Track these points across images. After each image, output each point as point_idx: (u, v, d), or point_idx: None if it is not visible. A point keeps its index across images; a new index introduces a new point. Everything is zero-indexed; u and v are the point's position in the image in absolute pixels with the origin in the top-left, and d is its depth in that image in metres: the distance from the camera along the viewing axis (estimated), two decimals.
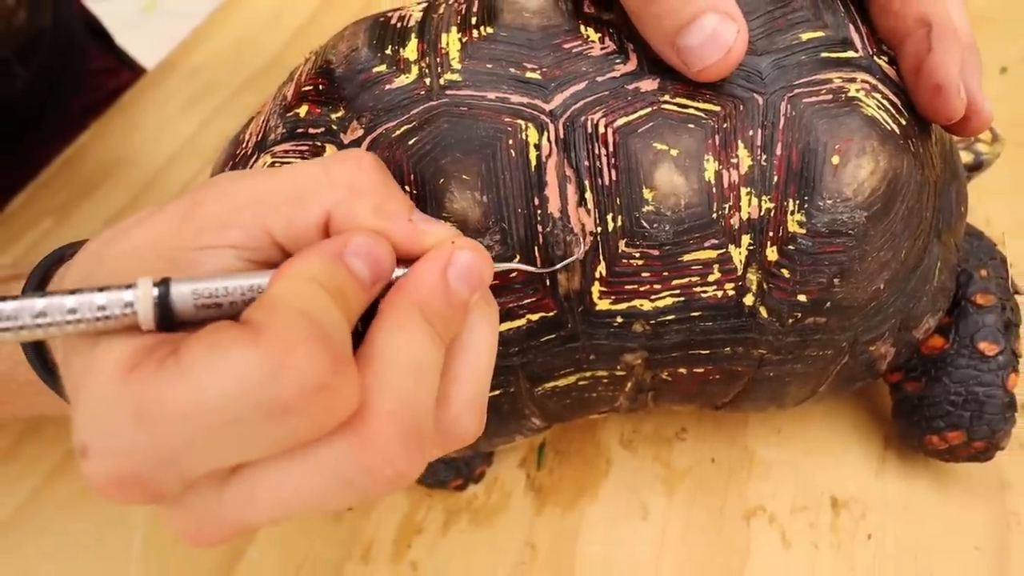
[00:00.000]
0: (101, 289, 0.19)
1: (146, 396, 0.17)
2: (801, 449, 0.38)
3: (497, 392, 0.30)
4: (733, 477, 0.38)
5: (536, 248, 0.26)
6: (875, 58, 0.27)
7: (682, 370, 0.29)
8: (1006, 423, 0.32)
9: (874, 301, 0.28)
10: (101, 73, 0.69)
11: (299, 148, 0.28)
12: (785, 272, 0.26)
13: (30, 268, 0.26)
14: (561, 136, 0.26)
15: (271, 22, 0.69)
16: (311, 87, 0.29)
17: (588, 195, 0.26)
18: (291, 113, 0.29)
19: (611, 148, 0.26)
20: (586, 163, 0.26)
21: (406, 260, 0.21)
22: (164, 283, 0.19)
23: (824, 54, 0.26)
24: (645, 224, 0.25)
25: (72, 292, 0.18)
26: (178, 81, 0.64)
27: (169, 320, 0.19)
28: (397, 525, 0.38)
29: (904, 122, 0.27)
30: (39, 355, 0.25)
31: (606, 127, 0.26)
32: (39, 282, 0.26)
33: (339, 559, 0.37)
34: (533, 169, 0.26)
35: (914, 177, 0.27)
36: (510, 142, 0.26)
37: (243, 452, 0.18)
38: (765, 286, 0.27)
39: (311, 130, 0.28)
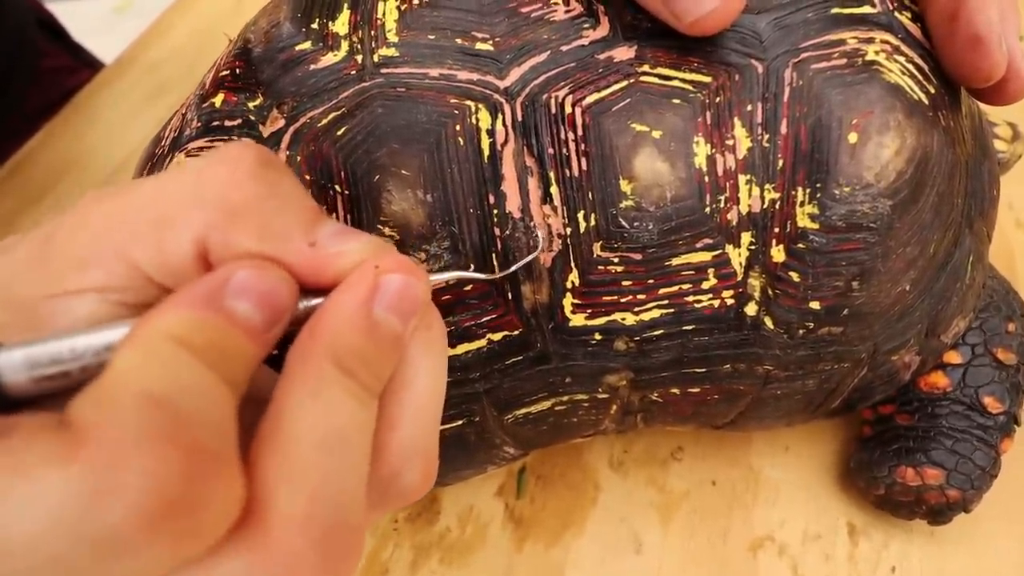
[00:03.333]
0: None
1: None
2: (813, 468, 0.34)
3: (459, 423, 0.25)
4: (736, 502, 0.34)
5: (494, 255, 0.22)
6: (896, 14, 0.23)
7: (675, 391, 0.25)
8: (984, 484, 0.29)
9: (898, 305, 0.24)
10: (58, 71, 0.66)
11: (213, 144, 0.24)
12: (794, 276, 0.22)
13: None
14: (519, 119, 0.21)
15: (231, 12, 0.65)
16: (228, 71, 0.25)
17: (554, 189, 0.21)
18: (207, 103, 0.25)
19: (580, 131, 0.21)
20: (550, 151, 0.21)
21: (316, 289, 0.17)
22: None
23: (835, 10, 0.22)
24: (624, 223, 0.21)
25: None
26: (136, 76, 0.61)
27: (4, 403, 0.15)
28: (362, 567, 0.34)
29: (933, 91, 0.22)
30: None
31: (573, 106, 0.21)
32: None
33: None
34: (486, 160, 0.21)
35: (945, 156, 0.23)
36: (457, 128, 0.21)
37: None
38: (770, 293, 0.22)
39: (227, 122, 0.24)
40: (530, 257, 0.22)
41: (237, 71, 0.25)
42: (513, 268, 0.21)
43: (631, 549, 0.33)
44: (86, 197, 0.18)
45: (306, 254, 0.16)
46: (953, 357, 0.28)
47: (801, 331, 0.23)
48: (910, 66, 0.22)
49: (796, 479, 0.34)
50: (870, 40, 0.22)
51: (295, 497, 0.14)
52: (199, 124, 0.25)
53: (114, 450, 0.13)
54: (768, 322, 0.23)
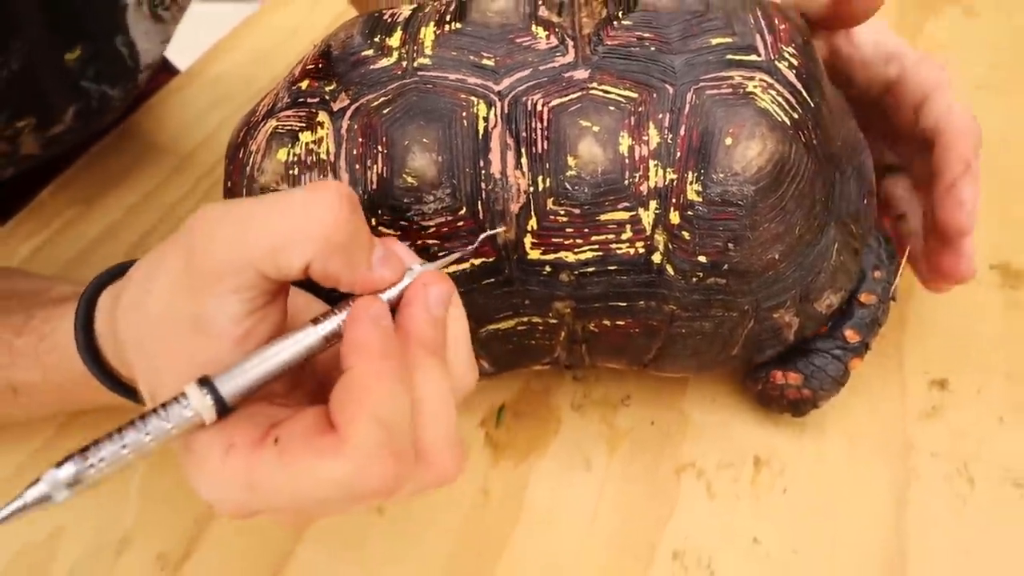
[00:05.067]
0: (161, 409, 0.24)
1: (253, 474, 0.23)
2: (732, 414, 0.43)
3: None
4: (669, 438, 0.43)
5: (479, 202, 0.32)
6: (775, 62, 0.32)
7: (606, 321, 0.35)
8: (832, 388, 0.39)
9: (771, 270, 0.33)
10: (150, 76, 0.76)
11: (298, 114, 0.35)
12: (686, 235, 0.32)
13: (75, 285, 0.33)
14: (505, 112, 0.31)
15: (287, 40, 0.75)
16: (312, 66, 0.35)
17: (524, 160, 0.31)
18: (295, 86, 0.36)
19: (545, 123, 0.31)
20: (524, 134, 0.31)
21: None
22: (208, 384, 0.24)
23: (729, 56, 0.32)
24: (568, 186, 0.31)
25: (143, 426, 0.23)
26: (201, 87, 0.71)
27: (224, 411, 0.24)
28: None
29: (796, 116, 0.32)
30: (95, 360, 0.32)
31: (543, 106, 0.31)
32: (86, 312, 0.32)
33: None
34: (481, 137, 0.31)
35: (804, 163, 0.32)
36: (464, 114, 0.31)
37: (326, 513, 0.25)
38: (670, 246, 0.32)
39: (309, 99, 0.35)
40: (498, 230, 0.31)
41: (319, 65, 0.35)
42: (488, 234, 0.31)
43: (582, 468, 0.42)
44: (201, 215, 0.25)
45: (366, 276, 0.26)
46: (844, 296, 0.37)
47: (694, 279, 0.33)
48: (779, 98, 0.31)
49: (718, 422, 0.43)
50: (751, 78, 0.31)
51: (438, 434, 0.25)
52: (288, 99, 0.36)
53: (364, 457, 0.22)
54: (669, 269, 0.32)
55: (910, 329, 0.45)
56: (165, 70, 0.78)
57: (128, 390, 0.33)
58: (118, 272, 0.32)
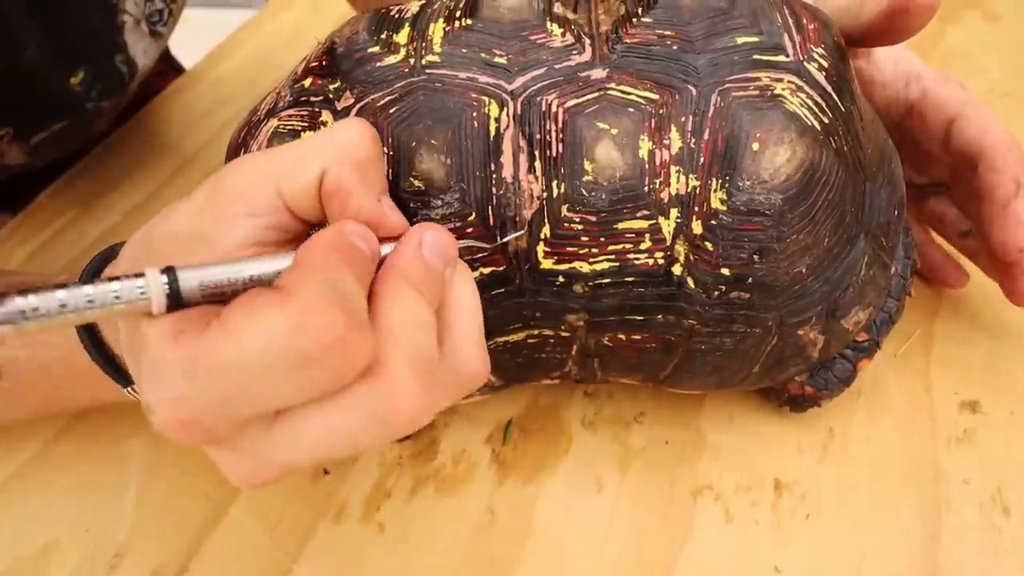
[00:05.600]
0: (115, 279, 0.22)
1: (193, 354, 0.21)
2: (751, 435, 0.41)
3: None
4: (684, 458, 0.41)
5: (490, 207, 0.30)
6: (804, 63, 0.30)
7: (621, 336, 0.33)
8: (836, 388, 0.38)
9: (797, 284, 0.31)
10: (151, 75, 0.76)
11: (300, 113, 0.33)
12: (708, 245, 0.30)
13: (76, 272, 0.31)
14: (518, 112, 0.30)
15: (290, 41, 0.74)
16: (316, 63, 0.34)
17: (537, 164, 0.29)
18: (298, 84, 0.34)
19: (560, 125, 0.29)
20: (538, 136, 0.29)
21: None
22: (170, 271, 0.22)
23: (756, 56, 0.30)
24: (584, 192, 0.29)
25: (88, 282, 0.22)
26: (204, 88, 0.70)
27: (178, 306, 0.22)
28: (368, 489, 0.41)
29: (827, 120, 0.30)
30: (97, 347, 0.30)
31: (558, 107, 0.29)
32: (91, 278, 0.31)
33: (313, 518, 0.40)
34: (492, 139, 0.30)
35: (835, 171, 0.30)
36: (474, 115, 0.30)
37: (279, 398, 0.21)
38: (691, 257, 0.30)
39: (312, 98, 0.33)
40: (516, 235, 0.30)
41: (323, 63, 0.34)
42: (506, 239, 0.30)
43: (593, 489, 0.40)
44: (243, 156, 0.26)
45: (375, 206, 0.25)
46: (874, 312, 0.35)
47: (716, 292, 0.31)
48: (809, 101, 0.30)
49: (736, 442, 0.41)
50: (779, 79, 0.30)
51: (399, 351, 0.22)
52: (291, 98, 0.34)
53: (309, 303, 0.20)
54: (690, 281, 0.31)
55: (938, 347, 0.43)
56: (171, 70, 0.77)
57: (122, 373, 0.31)
58: (117, 249, 0.31)
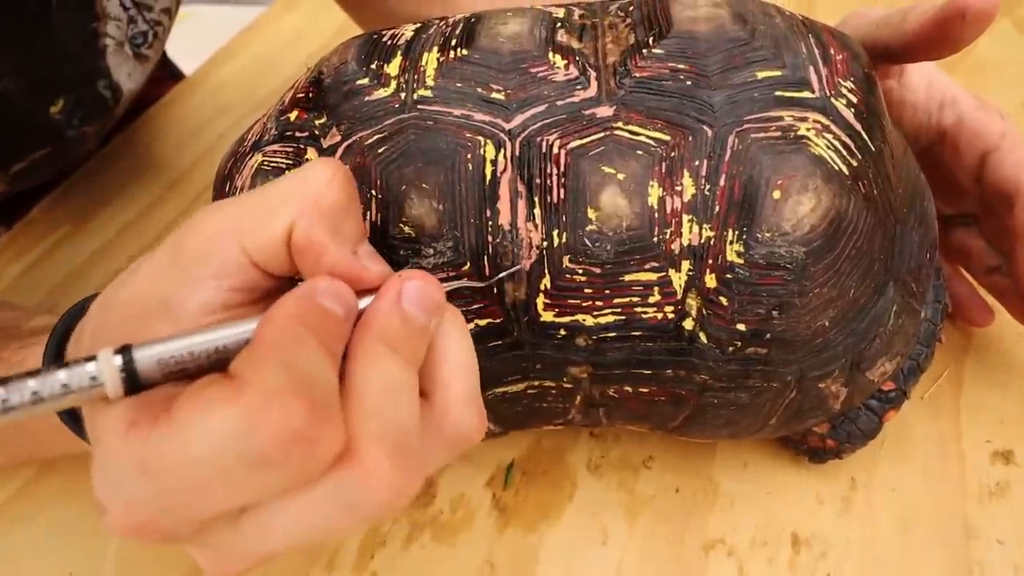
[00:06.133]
0: (63, 366, 0.19)
1: (145, 451, 0.19)
2: (766, 484, 0.38)
3: None
4: (696, 508, 0.38)
5: (485, 257, 0.27)
6: (831, 99, 0.28)
7: (627, 388, 0.30)
8: (859, 442, 0.35)
9: (820, 337, 0.29)
10: (148, 83, 0.74)
11: (285, 149, 0.31)
12: (723, 300, 0.27)
13: (55, 316, 0.29)
14: (517, 154, 0.27)
15: (290, 46, 0.72)
16: (303, 95, 0.32)
17: (537, 211, 0.27)
18: (284, 117, 0.32)
19: (562, 168, 0.27)
20: (537, 181, 0.27)
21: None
22: (126, 350, 0.20)
23: (778, 92, 0.27)
24: (588, 242, 0.27)
25: (33, 374, 0.19)
26: (202, 97, 0.68)
27: (138, 387, 0.20)
28: (362, 537, 0.39)
29: (855, 163, 0.27)
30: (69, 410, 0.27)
31: (560, 148, 0.27)
32: (60, 337, 0.29)
33: (305, 567, 0.38)
34: (488, 183, 0.27)
35: (864, 218, 0.28)
36: (468, 156, 0.27)
37: (239, 498, 0.19)
38: (704, 312, 0.28)
39: (297, 133, 0.31)
40: (512, 270, 0.27)
41: (310, 95, 0.31)
42: (501, 275, 0.27)
43: (598, 540, 0.38)
44: (204, 208, 0.23)
45: (351, 260, 0.23)
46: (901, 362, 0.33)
47: (730, 348, 0.28)
48: (836, 142, 0.27)
49: (750, 492, 0.38)
50: (804, 119, 0.27)
51: (370, 428, 0.20)
52: (276, 132, 0.32)
53: (264, 396, 0.18)
54: (703, 337, 0.28)
55: (968, 390, 0.40)
56: (170, 77, 0.75)
57: None
58: (90, 302, 0.29)
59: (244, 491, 0.19)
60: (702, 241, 0.27)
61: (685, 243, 0.27)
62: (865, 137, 0.28)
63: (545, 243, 0.27)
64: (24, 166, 0.49)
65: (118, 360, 0.20)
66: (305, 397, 0.18)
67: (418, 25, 0.32)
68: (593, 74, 0.28)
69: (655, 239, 0.27)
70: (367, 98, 0.29)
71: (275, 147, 0.31)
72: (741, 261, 0.27)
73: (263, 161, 0.31)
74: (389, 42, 0.31)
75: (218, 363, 0.21)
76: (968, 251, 0.39)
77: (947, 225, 0.40)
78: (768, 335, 0.28)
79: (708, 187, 0.27)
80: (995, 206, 0.36)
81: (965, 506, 0.36)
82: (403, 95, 0.29)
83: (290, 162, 0.30)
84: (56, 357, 0.29)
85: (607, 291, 0.27)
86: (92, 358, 0.20)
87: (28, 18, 0.43)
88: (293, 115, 0.31)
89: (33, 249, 0.57)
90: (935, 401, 0.40)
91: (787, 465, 0.39)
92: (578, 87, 0.28)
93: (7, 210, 0.60)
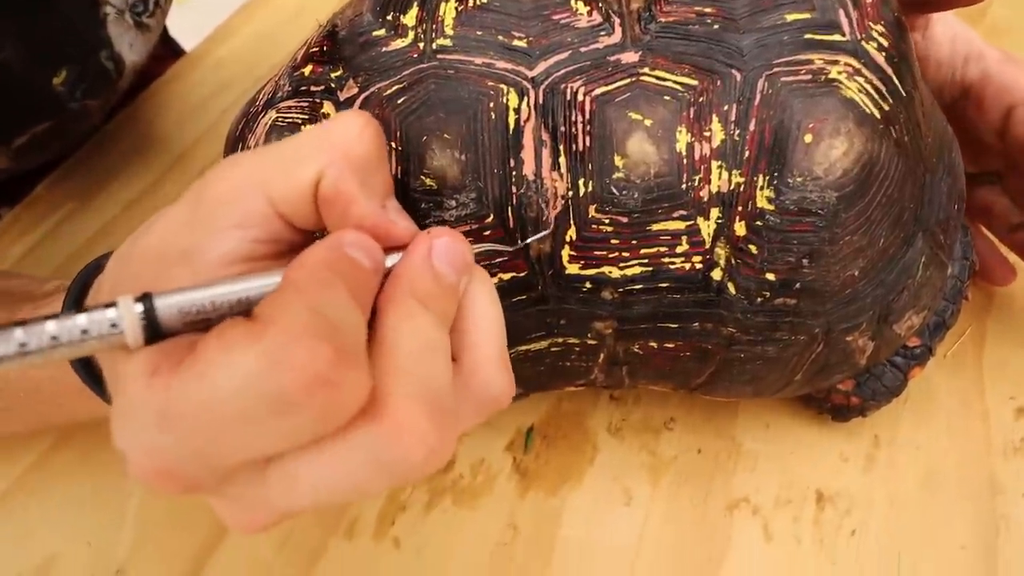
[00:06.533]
0: (83, 311, 0.19)
1: (168, 396, 0.18)
2: (789, 443, 0.38)
3: None
4: (719, 468, 0.38)
5: (509, 208, 0.27)
6: (862, 42, 0.27)
7: (652, 344, 0.30)
8: (884, 399, 0.35)
9: (848, 288, 0.28)
10: (153, 60, 0.73)
11: (300, 104, 0.30)
12: (753, 248, 0.27)
13: (68, 280, 0.28)
14: (540, 102, 0.27)
15: (291, 20, 0.71)
16: (317, 48, 0.31)
17: (562, 159, 0.26)
18: (297, 72, 0.31)
19: (587, 115, 0.26)
20: (562, 129, 0.26)
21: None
22: (146, 297, 0.19)
23: (808, 35, 0.27)
24: (615, 190, 0.26)
25: (52, 317, 0.19)
26: (203, 73, 0.67)
27: (158, 336, 0.19)
28: (382, 503, 0.38)
29: (887, 108, 0.27)
30: (86, 366, 0.27)
31: (584, 95, 0.26)
32: (78, 294, 0.28)
33: (324, 534, 0.37)
34: (511, 132, 0.27)
35: (895, 164, 0.27)
36: (491, 105, 0.27)
37: (263, 445, 0.19)
38: (733, 261, 0.27)
39: (312, 88, 0.30)
40: (542, 234, 0.27)
41: (324, 48, 0.31)
42: (529, 240, 0.27)
43: (621, 502, 0.38)
44: (227, 158, 0.23)
45: (379, 213, 0.22)
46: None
47: (759, 299, 0.28)
48: (868, 86, 0.26)
49: (773, 452, 0.38)
50: (835, 62, 0.26)
51: (404, 384, 0.19)
52: (290, 88, 0.31)
53: (288, 337, 0.17)
54: (731, 287, 0.28)
55: (991, 348, 0.40)
56: (171, 54, 0.75)
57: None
58: (106, 259, 0.28)
59: (268, 436, 0.18)
60: (731, 188, 0.26)
61: (714, 190, 0.26)
62: (896, 82, 0.28)
63: (571, 193, 0.27)
64: (27, 140, 0.48)
65: (139, 308, 0.19)
66: (330, 340, 0.18)
67: None
68: (617, 20, 0.27)
69: (683, 186, 0.26)
70: (384, 49, 0.29)
71: (289, 103, 0.31)
72: (772, 207, 0.26)
73: (277, 118, 0.31)
74: None
75: (240, 315, 0.20)
76: (990, 209, 0.39)
77: (969, 183, 0.39)
78: (797, 285, 0.27)
79: (737, 132, 0.26)
80: (1020, 162, 0.35)
81: (990, 461, 0.36)
82: (421, 45, 0.28)
83: (305, 116, 0.30)
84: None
85: (634, 241, 0.27)
86: (112, 304, 0.19)
87: None
88: (307, 69, 0.31)
89: (37, 228, 0.56)
90: (958, 359, 0.40)
91: (809, 424, 0.38)
92: (602, 33, 0.27)
93: (10, 190, 0.59)
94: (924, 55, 0.36)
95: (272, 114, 0.31)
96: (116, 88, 0.53)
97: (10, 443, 0.42)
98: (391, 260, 0.22)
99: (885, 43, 0.28)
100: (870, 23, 0.28)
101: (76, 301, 0.28)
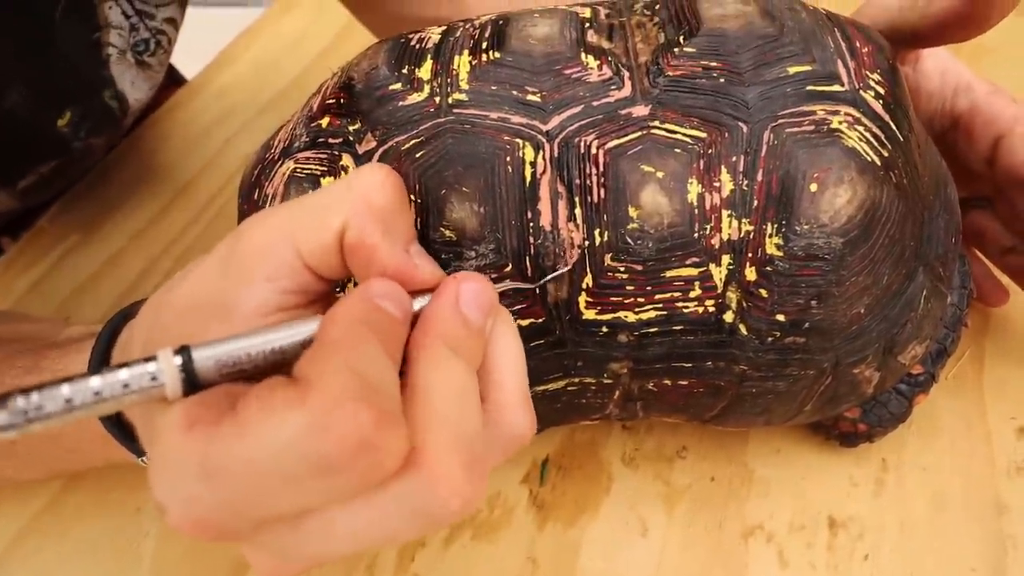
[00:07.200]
0: (124, 365, 0.20)
1: (208, 452, 0.19)
2: (800, 469, 0.39)
3: None
4: (732, 495, 0.39)
5: (527, 258, 0.28)
6: (860, 92, 0.28)
7: (667, 381, 0.31)
8: (890, 425, 0.36)
9: (855, 325, 0.29)
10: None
11: (319, 156, 0.31)
12: (763, 292, 0.28)
13: (89, 326, 0.29)
14: (555, 155, 0.28)
15: (293, 47, 0.72)
16: (333, 100, 0.32)
17: (578, 211, 0.27)
18: (314, 123, 0.32)
19: (601, 168, 0.27)
20: (577, 181, 0.27)
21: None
22: (184, 350, 0.20)
23: (810, 87, 0.28)
24: (629, 240, 0.27)
25: (96, 373, 0.19)
26: (205, 101, 0.67)
27: (195, 387, 0.20)
28: None
29: (887, 154, 0.28)
30: (111, 416, 0.28)
31: (598, 148, 0.27)
32: (107, 342, 0.29)
33: (344, 571, 0.38)
34: (528, 185, 0.28)
35: (896, 207, 0.28)
36: (508, 159, 0.28)
37: (302, 501, 0.19)
38: (744, 304, 0.28)
39: (330, 140, 0.31)
40: (560, 272, 0.28)
41: (341, 101, 0.31)
42: (548, 279, 0.28)
43: (638, 532, 0.38)
44: (261, 211, 0.24)
45: (403, 258, 0.23)
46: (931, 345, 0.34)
47: (770, 338, 0.29)
48: (867, 134, 0.27)
49: (785, 477, 0.39)
50: (836, 112, 0.27)
51: (440, 435, 0.20)
52: (307, 139, 0.32)
53: (330, 401, 0.18)
54: (742, 328, 0.29)
55: (989, 369, 0.41)
56: (172, 82, 0.75)
57: (136, 441, 0.29)
58: (135, 308, 0.29)
59: (307, 495, 0.19)
60: (741, 235, 0.27)
61: (725, 238, 0.27)
62: (893, 127, 0.29)
63: (587, 242, 0.28)
64: (32, 181, 0.49)
65: (178, 360, 0.20)
66: (371, 403, 0.18)
67: (444, 28, 0.32)
68: (627, 74, 0.29)
69: (696, 235, 0.27)
70: (401, 103, 0.30)
71: (307, 154, 0.31)
72: (780, 253, 0.27)
73: (296, 168, 0.32)
74: (417, 46, 0.31)
75: (275, 364, 0.21)
76: (983, 232, 0.40)
77: (962, 207, 0.41)
78: (807, 324, 0.28)
79: (746, 182, 0.27)
80: (1008, 189, 0.36)
81: (994, 483, 0.37)
82: (438, 99, 0.29)
83: (324, 168, 0.31)
84: (102, 362, 0.29)
85: (649, 287, 0.28)
86: (152, 358, 0.20)
87: (33, 31, 0.43)
88: (324, 121, 0.32)
89: (42, 261, 0.56)
90: (958, 381, 0.41)
91: (819, 449, 0.39)
92: (613, 87, 0.28)
93: (13, 222, 0.59)
94: (915, 87, 0.37)
95: (290, 164, 0.32)
96: (121, 126, 0.54)
97: (22, 485, 0.42)
98: (418, 303, 0.23)
99: (882, 91, 0.29)
100: (867, 72, 0.29)
101: (104, 351, 0.29)
